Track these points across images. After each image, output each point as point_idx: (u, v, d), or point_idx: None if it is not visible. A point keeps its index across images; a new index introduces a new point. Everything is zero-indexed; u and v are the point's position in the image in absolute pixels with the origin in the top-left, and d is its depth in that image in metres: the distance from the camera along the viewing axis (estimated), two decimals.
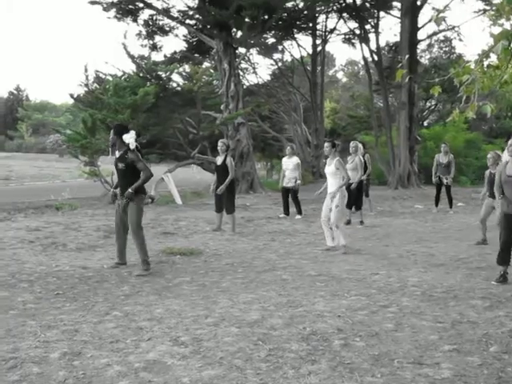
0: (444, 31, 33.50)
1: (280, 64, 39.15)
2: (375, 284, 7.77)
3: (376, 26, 30.74)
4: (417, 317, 6.17)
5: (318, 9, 31.09)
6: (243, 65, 35.13)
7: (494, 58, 4.98)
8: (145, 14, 28.33)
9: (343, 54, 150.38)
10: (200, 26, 27.82)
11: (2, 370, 4.66)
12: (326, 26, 35.04)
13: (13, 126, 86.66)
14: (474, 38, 28.89)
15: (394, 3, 29.93)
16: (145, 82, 21.20)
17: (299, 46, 37.32)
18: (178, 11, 27.78)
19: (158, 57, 42.35)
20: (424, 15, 62.77)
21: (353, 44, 35.13)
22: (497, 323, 5.96)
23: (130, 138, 8.57)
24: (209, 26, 26.35)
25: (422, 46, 37.27)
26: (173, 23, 28.70)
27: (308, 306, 6.60)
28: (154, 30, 29.20)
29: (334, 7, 31.61)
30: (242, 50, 28.22)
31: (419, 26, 28.19)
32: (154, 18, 28.51)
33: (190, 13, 27.60)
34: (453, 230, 13.56)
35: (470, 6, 78.37)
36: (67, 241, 11.42)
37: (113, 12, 27.17)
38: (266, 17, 24.69)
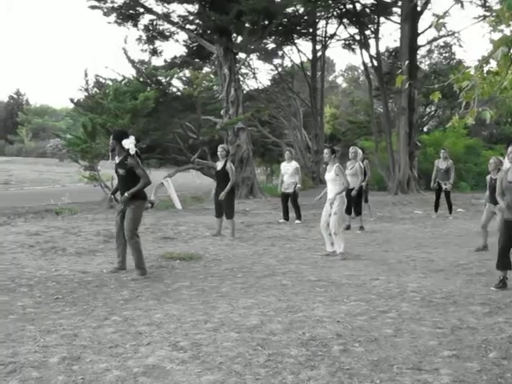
0: (444, 37, 33.58)
1: (280, 69, 39.19)
2: (375, 289, 7.76)
3: (376, 32, 30.78)
4: (416, 322, 6.17)
5: (318, 14, 31.22)
6: (243, 70, 35.15)
7: (493, 64, 4.99)
8: (145, 19, 28.42)
9: (343, 59, 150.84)
10: (200, 31, 27.88)
11: (1, 375, 4.66)
12: (326, 32, 35.19)
13: (13, 131, 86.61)
14: (473, 44, 29.07)
15: (394, 9, 30.01)
16: (145, 87, 21.23)
17: (299, 52, 37.56)
18: (179, 16, 27.87)
19: (158, 62, 42.26)
20: (424, 21, 62.83)
21: (353, 49, 35.23)
22: (496, 329, 5.96)
23: (129, 143, 8.59)
24: (209, 31, 26.40)
25: (421, 51, 37.31)
26: (173, 28, 28.75)
27: (307, 311, 6.59)
28: (154, 34, 29.23)
29: (334, 13, 31.69)
30: (242, 55, 28.26)
31: (419, 31, 28.25)
32: (155, 22, 28.56)
33: (191, 18, 27.66)
34: (452, 235, 13.55)
35: (469, 12, 78.57)
36: (67, 245, 11.42)
37: (113, 17, 27.25)
38: (266, 22, 24.75)
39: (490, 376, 4.69)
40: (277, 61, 38.85)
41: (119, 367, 4.83)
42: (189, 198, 22.68)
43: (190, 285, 8.07)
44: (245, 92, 31.56)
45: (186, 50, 31.57)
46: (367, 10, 30.96)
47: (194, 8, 27.23)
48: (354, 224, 14.34)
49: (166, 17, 27.59)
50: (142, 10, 27.21)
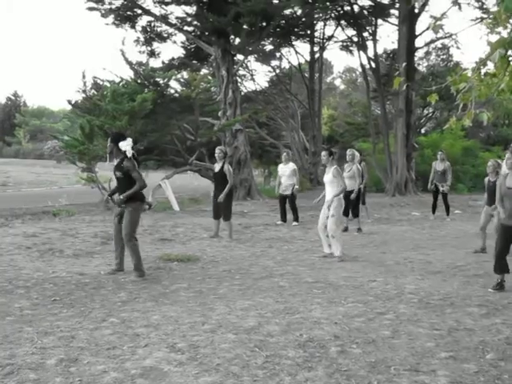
0: (441, 39, 33.49)
1: (278, 71, 39.20)
2: (372, 291, 7.77)
3: (374, 34, 30.79)
4: (413, 324, 6.17)
5: (315, 16, 31.19)
6: (241, 71, 35.15)
7: (491, 66, 4.99)
8: (143, 21, 28.38)
9: (341, 61, 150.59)
10: (198, 33, 27.87)
11: None
12: (323, 34, 35.16)
13: (10, 132, 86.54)
14: (471, 46, 29.18)
15: (392, 11, 30.00)
16: (143, 89, 21.23)
17: (297, 53, 37.37)
18: (176, 18, 27.83)
19: (156, 63, 42.42)
20: (422, 23, 62.83)
21: (350, 51, 35.21)
22: (493, 330, 5.97)
23: (126, 145, 8.60)
24: (207, 33, 26.39)
25: (419, 53, 37.27)
26: (171, 30, 28.72)
27: (305, 312, 6.60)
28: (152, 36, 29.20)
29: (332, 14, 31.69)
30: (240, 56, 28.23)
31: (417, 33, 28.27)
32: (152, 24, 28.52)
33: (188, 19, 27.64)
34: (450, 237, 13.56)
35: (467, 14, 78.50)
36: (64, 247, 11.41)
37: (111, 18, 27.20)
38: (264, 24, 24.75)
39: (487, 377, 4.70)
40: (275, 62, 38.91)
41: (117, 369, 4.83)
42: (186, 200, 22.67)
43: (187, 286, 8.07)
44: (242, 94, 31.53)
45: (184, 52, 31.54)
46: (365, 12, 30.96)
47: (191, 10, 27.25)
48: (351, 226, 14.35)
49: (163, 18, 27.57)
50: (139, 11, 27.19)
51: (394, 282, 8.33)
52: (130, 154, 8.60)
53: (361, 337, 5.71)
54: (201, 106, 23.11)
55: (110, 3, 26.25)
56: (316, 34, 34.88)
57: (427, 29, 26.30)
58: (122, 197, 8.55)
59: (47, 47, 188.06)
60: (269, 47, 34.22)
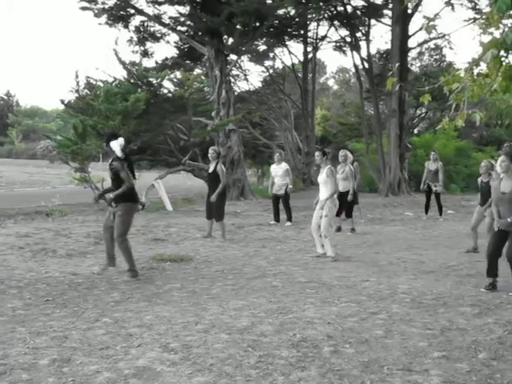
0: (434, 39, 33.64)
1: (271, 71, 39.20)
2: (365, 291, 7.78)
3: (367, 34, 30.85)
4: (406, 324, 6.19)
5: (309, 16, 31.26)
6: (234, 72, 35.15)
7: (483, 67, 5.01)
8: (136, 21, 28.34)
9: (334, 61, 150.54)
10: (191, 33, 27.85)
11: None
12: (317, 34, 35.23)
13: (3, 132, 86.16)
14: (464, 47, 29.34)
15: (385, 11, 30.08)
16: (136, 89, 21.19)
17: (290, 54, 37.35)
18: (170, 18, 27.80)
19: (149, 63, 42.45)
20: (415, 23, 63.05)
21: (344, 51, 35.29)
22: (486, 330, 5.98)
23: (116, 145, 8.60)
24: (200, 33, 26.38)
25: (412, 53, 37.38)
26: (164, 30, 28.69)
27: (298, 312, 6.60)
28: (145, 36, 29.16)
29: (325, 15, 31.78)
30: (233, 56, 28.23)
31: (410, 33, 28.36)
32: (146, 24, 28.49)
33: (182, 19, 27.62)
34: (442, 237, 13.59)
35: (460, 15, 78.66)
36: (57, 247, 11.39)
37: (104, 18, 27.13)
38: (258, 24, 24.73)
39: (479, 377, 4.72)
40: (268, 63, 38.91)
41: (110, 369, 4.83)
42: (180, 200, 22.64)
43: (180, 286, 8.07)
44: (236, 94, 31.54)
45: (177, 52, 31.51)
46: (358, 12, 31.04)
47: (185, 9, 27.23)
48: (344, 226, 14.35)
49: (157, 18, 27.53)
50: (132, 11, 27.16)
51: (387, 282, 8.35)
52: (119, 153, 8.60)
53: (354, 336, 5.72)
54: (194, 106, 23.09)
55: (102, 3, 26.21)
56: (309, 34, 34.98)
57: (420, 29, 26.47)
58: (111, 195, 8.59)
59: (40, 47, 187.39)
60: (262, 47, 34.26)
